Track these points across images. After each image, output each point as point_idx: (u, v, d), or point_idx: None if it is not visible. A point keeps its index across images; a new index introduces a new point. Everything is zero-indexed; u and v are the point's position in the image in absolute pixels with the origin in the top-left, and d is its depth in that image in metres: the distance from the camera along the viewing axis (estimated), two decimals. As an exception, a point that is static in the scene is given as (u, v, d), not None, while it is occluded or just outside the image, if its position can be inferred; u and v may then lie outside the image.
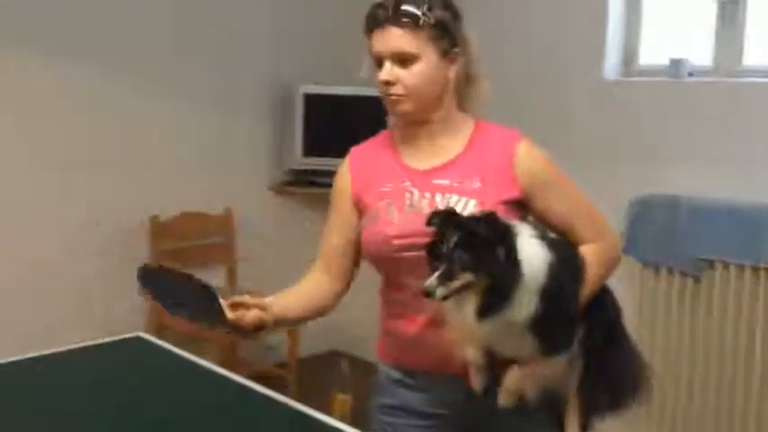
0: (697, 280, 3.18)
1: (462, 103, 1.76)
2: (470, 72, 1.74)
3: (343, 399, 3.79)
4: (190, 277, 1.61)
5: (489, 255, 1.45)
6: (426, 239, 1.54)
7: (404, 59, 1.65)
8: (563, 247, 1.59)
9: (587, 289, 1.61)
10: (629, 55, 3.62)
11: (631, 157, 3.40)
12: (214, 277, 4.16)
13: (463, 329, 1.53)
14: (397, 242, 1.66)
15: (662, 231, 3.17)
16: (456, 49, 1.70)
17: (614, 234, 1.76)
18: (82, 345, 2.18)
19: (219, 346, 3.61)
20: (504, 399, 1.59)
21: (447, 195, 1.66)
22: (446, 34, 1.67)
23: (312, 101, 4.26)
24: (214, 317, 1.60)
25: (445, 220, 1.52)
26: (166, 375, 2.01)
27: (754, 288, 3.03)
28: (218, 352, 3.54)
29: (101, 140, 3.81)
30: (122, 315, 3.71)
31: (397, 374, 1.79)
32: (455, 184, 1.67)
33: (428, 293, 1.45)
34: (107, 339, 2.23)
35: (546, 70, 3.63)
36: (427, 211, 1.62)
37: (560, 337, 1.54)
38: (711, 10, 3.34)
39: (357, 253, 1.79)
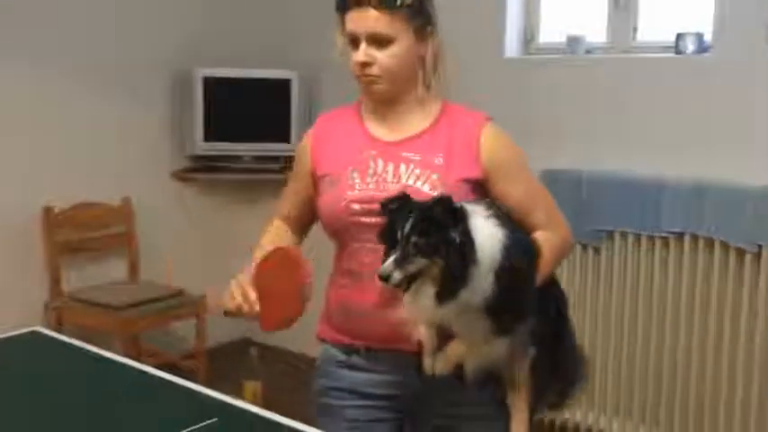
0: (597, 250, 3.28)
1: (431, 83, 1.77)
2: (439, 52, 1.76)
3: (253, 385, 3.75)
4: None
5: (444, 238, 1.45)
6: (376, 207, 1.57)
7: (380, 41, 1.66)
8: (517, 227, 1.59)
9: (541, 273, 1.62)
10: (529, 34, 3.68)
11: (533, 133, 3.44)
12: (115, 269, 4.04)
13: (422, 314, 1.53)
14: (356, 206, 1.67)
15: (564, 205, 3.22)
16: (430, 28, 1.71)
17: (567, 225, 1.78)
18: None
19: (121, 339, 3.51)
20: (441, 366, 1.59)
21: (410, 167, 1.68)
22: (421, 14, 1.69)
23: (211, 84, 4.16)
24: None
25: (399, 205, 1.52)
26: (67, 368, 1.93)
27: (651, 256, 3.17)
28: (121, 345, 3.43)
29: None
30: (18, 310, 3.53)
31: (342, 355, 1.77)
32: (418, 158, 1.69)
33: (384, 278, 1.45)
34: (2, 335, 2.12)
35: (447, 50, 3.64)
36: (391, 179, 1.66)
37: (511, 318, 1.54)
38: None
39: (313, 214, 1.82)
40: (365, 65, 1.67)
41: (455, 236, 1.45)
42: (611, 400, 3.32)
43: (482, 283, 1.46)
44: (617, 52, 3.42)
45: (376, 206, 1.60)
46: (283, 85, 4.22)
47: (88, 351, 2.01)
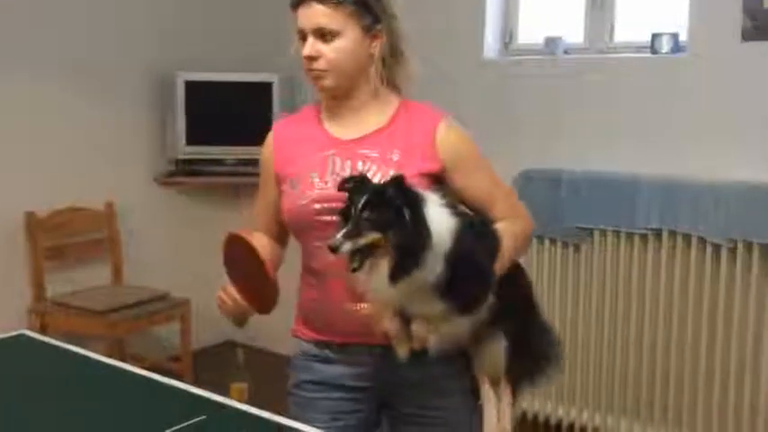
0: (577, 248, 3.33)
1: (390, 80, 1.79)
2: (398, 48, 1.77)
3: (240, 387, 3.75)
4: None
5: (395, 215, 1.49)
6: (337, 205, 1.60)
7: (325, 35, 1.69)
8: (473, 219, 1.65)
9: (503, 260, 1.67)
10: (508, 35, 3.73)
11: (513, 133, 3.50)
12: (98, 273, 4.04)
13: (376, 295, 1.57)
14: (316, 206, 1.71)
15: (545, 204, 3.28)
16: (378, 26, 1.72)
17: (528, 214, 1.82)
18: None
19: (107, 343, 3.51)
20: (411, 345, 1.64)
21: (368, 164, 1.70)
22: (368, 11, 1.71)
23: (193, 88, 4.17)
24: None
25: (356, 184, 1.57)
26: (54, 369, 1.94)
27: (630, 252, 3.22)
28: (106, 349, 3.43)
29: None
30: (1, 315, 3.53)
31: (315, 350, 1.82)
32: (375, 154, 1.71)
33: (333, 248, 1.49)
34: (-11, 339, 2.13)
35: (428, 52, 3.66)
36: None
37: (467, 298, 1.58)
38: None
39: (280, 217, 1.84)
40: (311, 59, 1.70)
41: (406, 214, 1.49)
42: (593, 396, 3.36)
43: (434, 264, 1.49)
44: (594, 52, 3.48)
45: (336, 204, 1.63)
46: (265, 88, 4.24)
47: (75, 353, 2.02)
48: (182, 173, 4.33)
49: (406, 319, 1.62)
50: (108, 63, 4.01)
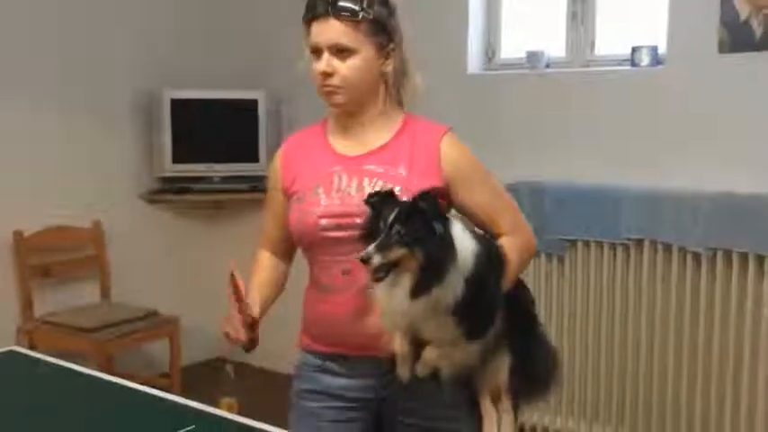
0: (561, 259, 3.37)
1: (397, 97, 1.81)
2: (407, 66, 1.80)
3: (230, 402, 3.76)
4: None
5: (427, 230, 1.49)
6: (351, 220, 1.63)
7: (341, 52, 1.70)
8: (487, 241, 1.65)
9: (507, 280, 1.67)
10: (490, 51, 3.78)
11: (497, 146, 3.52)
12: (88, 292, 4.04)
13: (393, 311, 1.56)
14: (323, 221, 1.72)
15: (529, 216, 3.29)
16: (392, 45, 1.75)
17: (530, 230, 1.83)
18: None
19: (95, 360, 3.51)
20: (420, 369, 1.63)
21: (374, 180, 1.71)
22: (383, 30, 1.73)
23: (179, 106, 4.20)
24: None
25: (383, 198, 1.57)
26: (45, 384, 1.95)
27: (612, 262, 3.27)
28: (95, 366, 3.43)
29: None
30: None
31: (317, 360, 1.83)
32: (380, 170, 1.73)
33: (365, 260, 1.47)
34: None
35: (414, 68, 3.72)
36: (354, 194, 1.70)
37: (479, 324, 1.59)
38: (564, 5, 3.53)
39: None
40: (326, 75, 1.71)
41: (438, 228, 1.49)
42: (578, 403, 3.39)
43: (455, 283, 1.49)
44: (576, 66, 3.52)
45: (343, 221, 1.66)
46: (251, 106, 4.27)
47: (65, 368, 2.03)
48: (168, 190, 4.35)
49: (415, 341, 1.61)
50: (93, 82, 4.03)
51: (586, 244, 3.31)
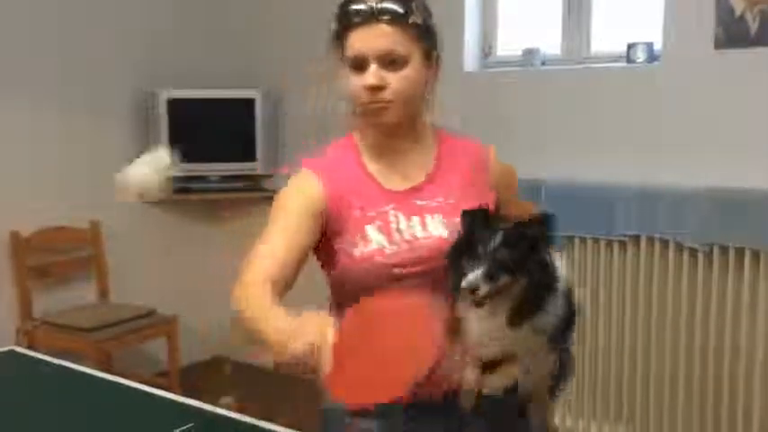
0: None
1: (425, 111, 1.62)
2: (438, 77, 1.61)
3: (228, 400, 3.79)
4: None
5: (536, 257, 1.38)
6: (426, 266, 1.49)
7: (393, 61, 1.47)
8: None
9: None
10: (487, 48, 3.79)
11: (493, 144, 3.54)
12: (85, 291, 4.05)
13: (488, 340, 1.45)
14: (396, 271, 1.50)
15: (526, 213, 3.33)
16: (435, 52, 1.55)
17: None
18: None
19: (94, 359, 3.52)
20: (496, 387, 1.52)
21: (435, 216, 1.55)
22: (429, 35, 1.53)
23: (176, 105, 4.20)
24: None
25: (477, 218, 1.44)
26: (45, 383, 1.97)
27: (609, 258, 3.28)
28: (93, 366, 3.44)
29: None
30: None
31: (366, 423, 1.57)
32: (435, 204, 1.56)
33: (473, 289, 1.34)
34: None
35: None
36: (421, 235, 1.52)
37: (565, 338, 1.53)
38: (559, 2, 3.54)
39: (302, 263, 1.53)
40: (376, 89, 1.46)
41: (545, 253, 1.39)
42: (576, 402, 3.40)
43: (556, 310, 1.41)
44: (572, 63, 3.53)
45: (419, 268, 1.49)
46: (248, 105, 4.27)
47: (65, 367, 2.04)
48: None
49: (482, 365, 1.50)
50: (90, 82, 4.03)
51: (583, 240, 3.32)
